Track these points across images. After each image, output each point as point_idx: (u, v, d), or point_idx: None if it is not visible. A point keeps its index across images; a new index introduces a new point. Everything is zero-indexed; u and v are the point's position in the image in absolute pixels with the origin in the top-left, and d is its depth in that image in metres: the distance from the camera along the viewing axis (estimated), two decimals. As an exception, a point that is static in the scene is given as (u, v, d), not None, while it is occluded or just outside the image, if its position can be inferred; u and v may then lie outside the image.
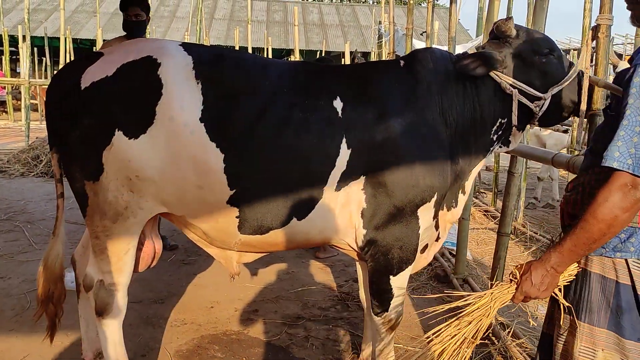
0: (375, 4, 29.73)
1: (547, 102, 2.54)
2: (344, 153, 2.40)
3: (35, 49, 20.11)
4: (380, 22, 11.74)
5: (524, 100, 2.52)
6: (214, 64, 2.42)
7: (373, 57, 15.25)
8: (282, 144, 2.35)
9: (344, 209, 2.48)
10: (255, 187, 2.37)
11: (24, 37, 13.33)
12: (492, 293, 1.89)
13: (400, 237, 2.50)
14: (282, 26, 25.32)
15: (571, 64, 2.61)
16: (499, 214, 6.59)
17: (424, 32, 16.51)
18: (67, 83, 2.36)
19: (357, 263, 3.04)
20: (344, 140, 2.40)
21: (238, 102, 2.35)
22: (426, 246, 2.74)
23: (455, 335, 1.89)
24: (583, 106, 2.51)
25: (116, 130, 2.28)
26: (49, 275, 2.53)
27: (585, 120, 2.60)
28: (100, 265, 2.46)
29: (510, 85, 2.51)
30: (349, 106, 2.44)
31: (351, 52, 10.84)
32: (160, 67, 2.31)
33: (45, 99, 2.46)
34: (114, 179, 2.32)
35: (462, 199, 2.76)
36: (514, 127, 2.64)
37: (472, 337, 1.90)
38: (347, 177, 2.43)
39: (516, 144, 2.73)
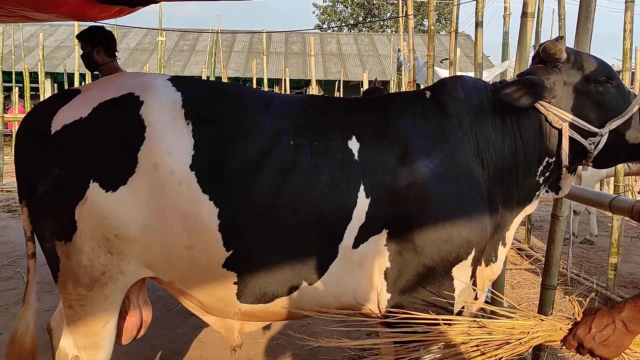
0: (393, 32, 29.66)
1: (603, 139, 2.13)
2: (362, 203, 2.01)
3: (56, 84, 20.33)
4: (399, 50, 11.46)
5: (576, 136, 2.12)
6: (207, 101, 2.06)
7: (392, 86, 14.94)
8: (287, 195, 1.97)
9: (364, 270, 2.07)
10: (257, 247, 1.98)
11: (45, 73, 13.35)
12: (541, 320, 1.61)
13: (431, 301, 2.08)
14: (300, 57, 25.33)
15: (633, 95, 2.20)
16: (534, 252, 6.13)
17: (444, 59, 16.20)
18: (37, 125, 2.03)
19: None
20: (362, 187, 2.01)
21: (235, 145, 1.99)
22: (462, 308, 2.30)
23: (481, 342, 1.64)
24: (648, 140, 2.10)
25: (91, 181, 1.92)
26: (18, 352, 2.16)
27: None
28: (75, 339, 2.08)
29: (560, 118, 2.10)
30: (366, 147, 2.06)
31: (370, 81, 10.52)
32: (143, 106, 1.97)
33: (14, 144, 2.12)
34: (89, 239, 1.95)
35: (502, 252, 2.34)
36: (564, 169, 2.22)
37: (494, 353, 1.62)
38: (366, 232, 2.04)
39: (567, 189, 2.31)
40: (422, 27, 34.93)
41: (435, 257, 2.05)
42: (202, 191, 1.93)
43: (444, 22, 35.19)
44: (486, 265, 2.31)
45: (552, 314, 3.09)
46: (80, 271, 1.98)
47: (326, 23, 38.71)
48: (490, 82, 2.35)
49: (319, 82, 22.45)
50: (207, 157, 1.96)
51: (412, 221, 2.04)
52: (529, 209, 2.32)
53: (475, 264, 2.16)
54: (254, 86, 15.47)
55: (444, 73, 9.99)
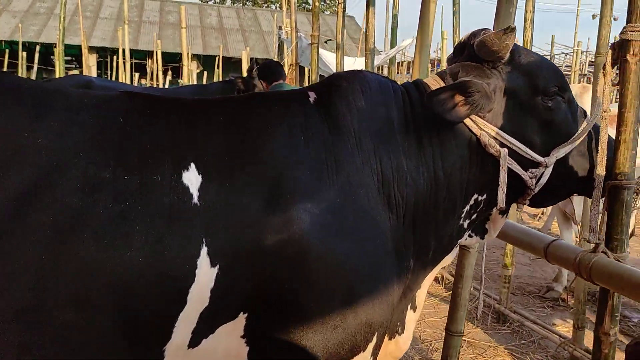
0: (277, 9, 28.71)
1: (548, 171, 1.53)
2: (205, 275, 1.24)
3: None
4: (280, 28, 10.61)
5: (515, 167, 1.50)
6: None
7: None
8: (67, 272, 1.13)
9: (208, 380, 1.30)
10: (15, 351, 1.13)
11: None
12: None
13: (314, 416, 1.36)
14: (177, 28, 23.49)
15: (582, 112, 1.63)
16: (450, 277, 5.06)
17: (328, 39, 15.59)
18: None
19: None
20: (204, 250, 1.23)
21: None
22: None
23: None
24: (601, 170, 1.55)
25: None
26: None
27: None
28: None
29: (498, 141, 1.47)
30: (213, 182, 1.28)
31: (251, 60, 9.55)
32: None
33: None
34: None
35: (411, 320, 1.69)
36: (494, 209, 1.60)
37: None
38: (212, 320, 1.28)
39: (496, 233, 1.70)
40: (306, 5, 34.32)
41: (320, 352, 1.33)
42: None
43: (328, 1, 34.88)
44: (390, 339, 1.66)
45: None
46: None
47: (207, -7, 36.71)
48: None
49: (197, 57, 21.04)
50: None
51: (285, 300, 1.31)
52: (447, 260, 1.68)
53: (377, 351, 1.47)
54: (121, 58, 13.80)
55: (329, 56, 9.34)
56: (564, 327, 4.23)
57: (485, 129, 1.47)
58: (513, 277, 4.96)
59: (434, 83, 1.53)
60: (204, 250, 1.24)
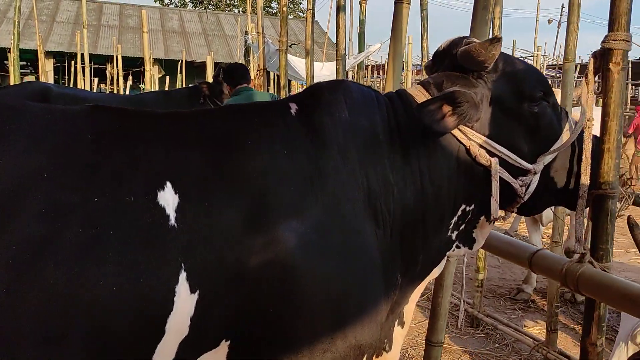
0: (241, 13, 28.46)
1: (536, 178, 1.51)
2: (185, 302, 1.16)
3: None
4: (246, 32, 10.48)
5: (506, 176, 1.47)
6: None
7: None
8: (29, 304, 1.04)
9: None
10: None
11: None
12: None
13: None
14: (137, 32, 23.06)
15: (565, 114, 1.61)
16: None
17: (292, 44, 15.51)
18: None
19: None
20: (183, 275, 1.16)
21: None
22: None
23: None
24: (585, 179, 1.53)
25: None
26: None
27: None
28: None
29: (488, 150, 1.43)
30: (191, 203, 1.20)
31: (216, 65, 9.37)
32: None
33: None
34: None
35: (399, 335, 1.65)
36: (482, 218, 1.57)
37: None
38: (192, 349, 1.20)
39: (483, 241, 1.67)
40: (269, 10, 34.20)
41: (308, 378, 1.26)
42: None
43: (292, 6, 34.84)
44: (377, 356, 1.59)
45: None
46: None
47: (168, -3, 36.19)
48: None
49: (159, 61, 20.63)
50: None
51: (270, 324, 1.24)
52: (435, 272, 1.64)
53: (366, 372, 1.41)
54: (79, 63, 13.38)
55: (296, 61, 9.26)
56: (536, 329, 4.27)
57: (474, 138, 1.43)
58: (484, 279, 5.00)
59: (418, 94, 1.48)
60: (183, 276, 1.15)
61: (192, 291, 1.16)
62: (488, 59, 1.40)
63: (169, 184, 1.19)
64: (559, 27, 25.85)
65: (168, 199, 1.18)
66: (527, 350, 3.79)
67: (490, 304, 4.81)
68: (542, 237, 5.52)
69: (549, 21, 28.08)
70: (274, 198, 1.26)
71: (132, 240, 1.13)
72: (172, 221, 1.17)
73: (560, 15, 27.05)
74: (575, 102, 3.53)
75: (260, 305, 1.22)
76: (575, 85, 3.73)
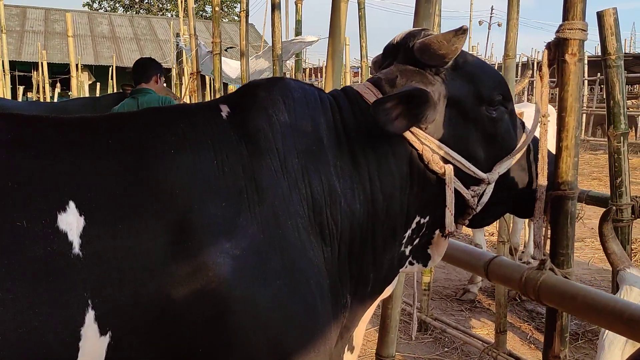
0: (173, 17, 27.72)
1: (490, 188, 1.38)
2: (92, 347, 0.95)
3: None
4: (178, 35, 10.10)
5: (458, 185, 1.34)
6: None
7: (174, 77, 13.34)
8: None
9: None
10: None
11: None
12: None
13: None
14: (64, 38, 21.98)
15: (521, 124, 1.51)
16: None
17: (229, 47, 15.18)
18: None
19: None
20: (91, 313, 0.95)
21: None
22: None
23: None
24: (542, 180, 1.44)
25: None
26: None
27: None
28: None
29: (442, 156, 1.30)
30: (99, 226, 0.99)
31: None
32: None
33: None
34: None
35: (349, 360, 1.47)
36: (437, 232, 1.43)
37: None
38: None
39: (439, 258, 1.53)
40: (203, 13, 33.54)
41: None
42: None
43: (226, 9, 34.34)
44: (325, 387, 1.42)
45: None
46: None
47: (97, 1, 34.81)
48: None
49: (88, 67, 19.77)
50: None
51: None
52: (387, 291, 1.49)
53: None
54: (0, 70, 12.53)
55: (233, 64, 8.99)
56: (484, 330, 4.25)
57: (427, 142, 1.28)
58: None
59: (367, 91, 1.33)
60: (90, 316, 0.94)
61: (103, 333, 0.95)
62: (450, 52, 1.26)
63: (72, 204, 0.98)
64: (489, 29, 26.87)
65: (71, 222, 0.97)
66: (476, 353, 3.74)
67: (437, 306, 4.75)
68: (484, 235, 5.58)
69: (480, 23, 29.05)
70: (200, 217, 1.07)
71: (27, 275, 0.92)
72: (77, 249, 0.96)
73: (490, 16, 28.10)
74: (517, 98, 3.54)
75: (189, 346, 1.02)
76: (516, 81, 3.73)
